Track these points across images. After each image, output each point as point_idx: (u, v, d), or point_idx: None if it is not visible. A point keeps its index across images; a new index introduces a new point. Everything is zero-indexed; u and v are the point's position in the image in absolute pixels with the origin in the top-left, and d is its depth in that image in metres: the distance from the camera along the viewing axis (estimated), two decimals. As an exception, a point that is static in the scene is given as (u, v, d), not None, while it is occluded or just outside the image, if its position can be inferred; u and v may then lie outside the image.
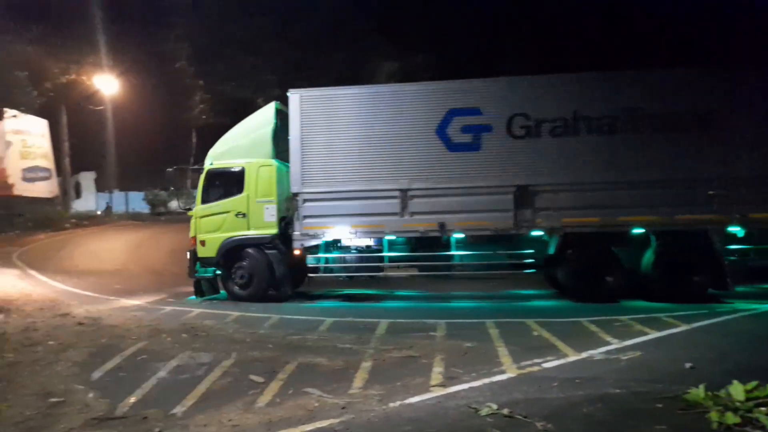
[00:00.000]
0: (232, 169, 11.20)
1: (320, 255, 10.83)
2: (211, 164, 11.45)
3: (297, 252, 10.69)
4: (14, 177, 27.65)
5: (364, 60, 18.60)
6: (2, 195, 26.82)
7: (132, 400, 5.48)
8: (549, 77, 10.46)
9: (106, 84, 25.66)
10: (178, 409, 5.20)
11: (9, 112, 23.02)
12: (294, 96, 10.65)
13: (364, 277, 11.48)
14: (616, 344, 6.76)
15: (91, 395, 5.65)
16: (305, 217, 10.57)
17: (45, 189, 29.53)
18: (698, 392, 4.53)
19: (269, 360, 6.57)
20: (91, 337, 7.78)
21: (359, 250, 11.06)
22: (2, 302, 10.33)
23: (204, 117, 27.99)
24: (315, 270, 10.96)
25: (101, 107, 26.98)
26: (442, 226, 10.17)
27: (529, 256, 10.20)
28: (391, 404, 5.00)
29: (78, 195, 34.21)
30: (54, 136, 29.97)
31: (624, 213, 9.71)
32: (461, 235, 10.30)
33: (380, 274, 11.17)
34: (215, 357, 6.69)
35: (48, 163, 30.05)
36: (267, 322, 8.79)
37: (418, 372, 5.97)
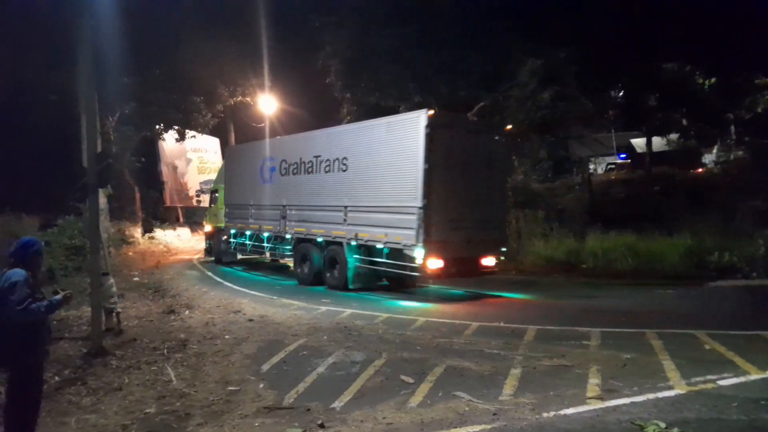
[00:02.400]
0: (216, 190, 20.00)
1: (231, 240, 17.79)
2: (213, 187, 20.95)
3: (225, 237, 18.18)
4: (194, 190, 31.58)
5: (506, 60, 18.13)
6: (184, 206, 30.79)
7: (296, 392, 5.98)
8: (294, 136, 16.84)
9: (267, 103, 28.19)
10: (337, 404, 5.55)
11: (189, 133, 26.31)
12: (227, 149, 19.07)
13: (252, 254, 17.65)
14: (811, 363, 5.88)
15: (261, 385, 6.27)
16: (227, 218, 18.09)
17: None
18: None
19: (418, 361, 6.73)
20: (259, 332, 8.62)
21: (244, 239, 17.20)
22: (188, 299, 11.90)
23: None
24: (230, 248, 17.97)
25: (262, 125, 29.69)
26: (259, 228, 16.16)
27: (288, 250, 15.10)
28: (545, 414, 4.86)
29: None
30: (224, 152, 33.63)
31: (315, 227, 13.70)
32: (267, 234, 15.88)
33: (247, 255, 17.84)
34: (367, 356, 7.02)
35: (219, 176, 33.86)
36: (414, 324, 9.03)
37: (571, 382, 5.72)
